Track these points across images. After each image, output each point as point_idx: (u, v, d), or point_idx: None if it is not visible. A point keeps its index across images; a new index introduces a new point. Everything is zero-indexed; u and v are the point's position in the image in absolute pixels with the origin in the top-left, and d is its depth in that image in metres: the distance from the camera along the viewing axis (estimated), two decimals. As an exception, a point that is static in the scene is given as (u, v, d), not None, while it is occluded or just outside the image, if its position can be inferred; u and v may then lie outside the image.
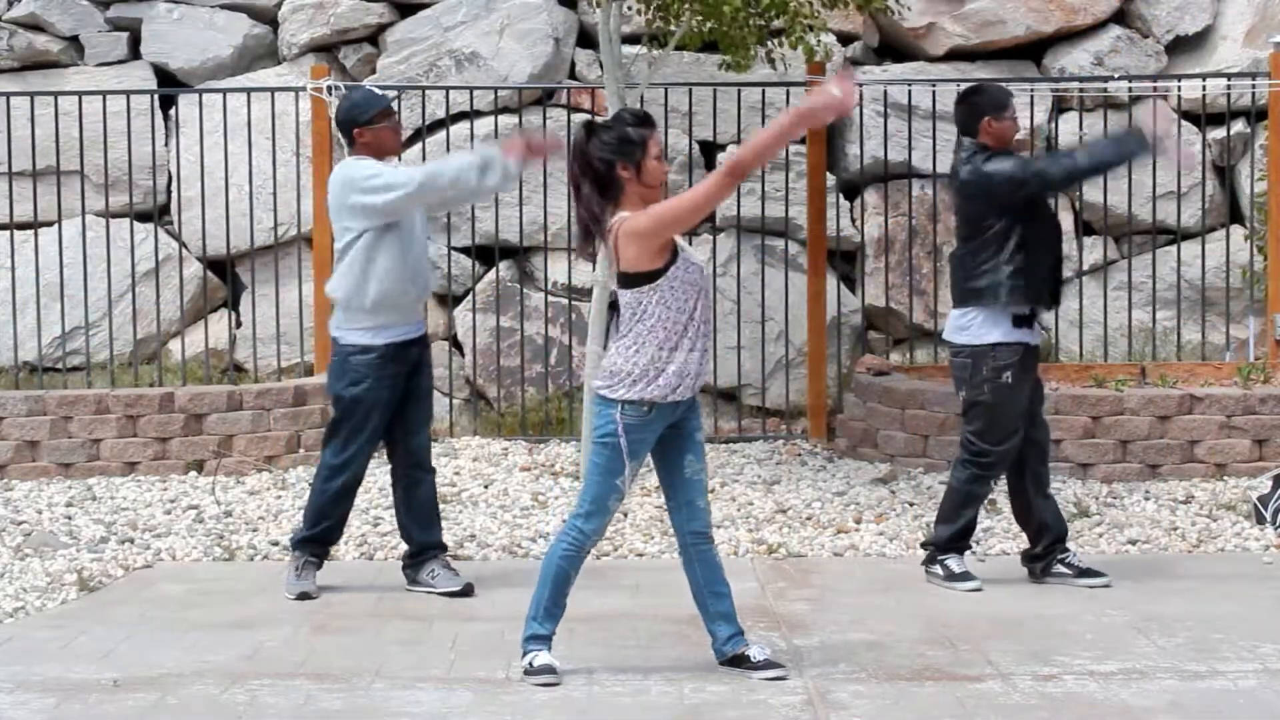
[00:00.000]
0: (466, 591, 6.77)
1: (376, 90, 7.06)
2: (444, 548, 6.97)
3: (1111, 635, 5.99)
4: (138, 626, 6.31)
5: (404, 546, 7.02)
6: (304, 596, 6.73)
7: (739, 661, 5.53)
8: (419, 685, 5.45)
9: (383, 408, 6.78)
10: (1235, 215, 10.30)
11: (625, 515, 8.00)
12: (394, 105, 7.08)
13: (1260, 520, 7.76)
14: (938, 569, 6.86)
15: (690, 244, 5.49)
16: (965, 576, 6.79)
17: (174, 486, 8.73)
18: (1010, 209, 6.70)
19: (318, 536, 6.88)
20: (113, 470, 9.05)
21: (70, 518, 8.17)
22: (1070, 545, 6.99)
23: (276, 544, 7.65)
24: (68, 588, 6.98)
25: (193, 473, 9.00)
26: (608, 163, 5.38)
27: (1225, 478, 8.54)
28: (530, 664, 5.49)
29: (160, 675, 5.59)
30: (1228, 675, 5.46)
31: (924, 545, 7.05)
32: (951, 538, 6.87)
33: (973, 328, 6.78)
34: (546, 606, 5.52)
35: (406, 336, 6.81)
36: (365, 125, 6.78)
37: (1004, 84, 7.88)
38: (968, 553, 7.00)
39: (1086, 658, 5.68)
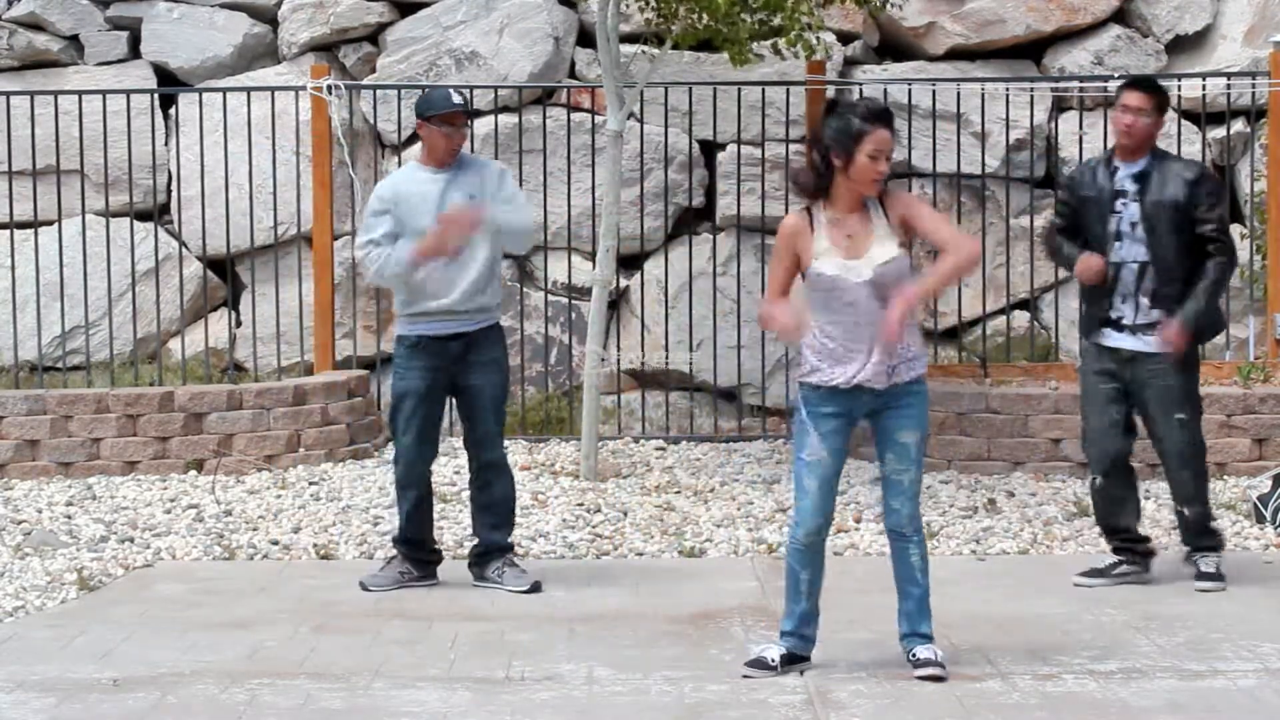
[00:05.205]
0: (534, 589, 6.75)
1: (455, 94, 6.88)
2: (510, 548, 6.95)
3: (1111, 635, 5.99)
4: (138, 626, 6.30)
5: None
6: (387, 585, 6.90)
7: (910, 657, 5.52)
8: (419, 685, 5.45)
9: (417, 398, 6.77)
10: (1235, 215, 10.29)
11: (625, 514, 8.00)
12: (463, 113, 6.84)
13: (1260, 520, 7.76)
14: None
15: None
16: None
17: (174, 486, 8.73)
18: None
19: (405, 537, 6.96)
20: (113, 469, 9.04)
21: (70, 517, 8.16)
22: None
23: (276, 543, 7.65)
24: (68, 587, 6.98)
25: (193, 472, 9.00)
26: (825, 148, 5.40)
27: (1225, 477, 8.53)
28: (755, 654, 5.59)
29: (160, 675, 5.59)
30: (1228, 675, 5.45)
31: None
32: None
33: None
34: (787, 603, 5.59)
35: (443, 331, 6.77)
36: (424, 120, 6.86)
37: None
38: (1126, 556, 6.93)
39: (1086, 657, 5.68)
